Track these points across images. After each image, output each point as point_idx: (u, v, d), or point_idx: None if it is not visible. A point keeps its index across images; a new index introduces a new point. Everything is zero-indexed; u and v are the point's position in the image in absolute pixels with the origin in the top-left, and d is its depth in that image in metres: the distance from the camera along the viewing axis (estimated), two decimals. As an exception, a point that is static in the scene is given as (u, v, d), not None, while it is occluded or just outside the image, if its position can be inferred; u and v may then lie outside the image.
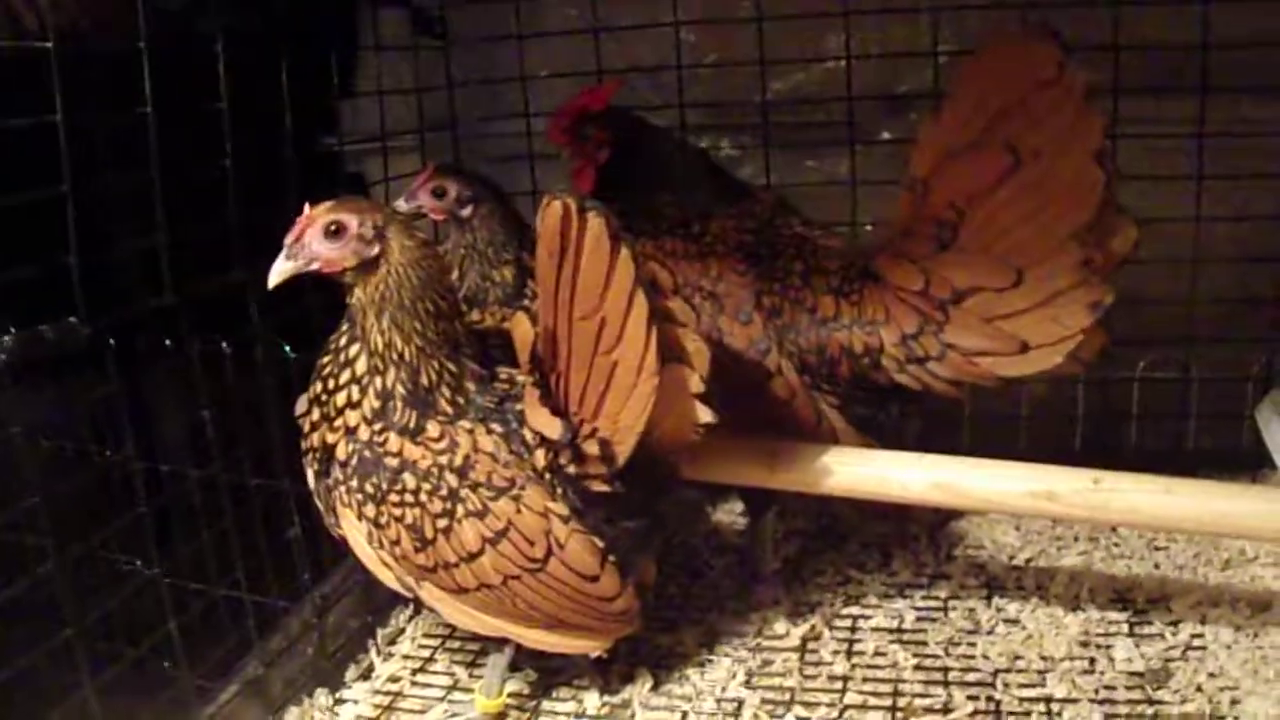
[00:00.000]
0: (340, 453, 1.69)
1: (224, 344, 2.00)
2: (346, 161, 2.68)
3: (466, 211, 2.19)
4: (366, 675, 2.12)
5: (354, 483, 1.68)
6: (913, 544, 2.44)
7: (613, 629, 1.80)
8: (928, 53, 2.35)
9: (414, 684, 2.09)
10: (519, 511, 1.65)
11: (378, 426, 1.67)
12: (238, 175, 1.96)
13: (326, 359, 1.73)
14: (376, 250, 1.63)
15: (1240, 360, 2.44)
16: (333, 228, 1.61)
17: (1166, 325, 2.39)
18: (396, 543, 1.68)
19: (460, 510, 1.65)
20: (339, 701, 2.04)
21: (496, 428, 1.67)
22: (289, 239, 1.63)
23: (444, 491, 1.65)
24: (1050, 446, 2.43)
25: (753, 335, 1.99)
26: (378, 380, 1.66)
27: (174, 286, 1.85)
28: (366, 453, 1.67)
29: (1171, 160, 2.26)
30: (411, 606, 2.30)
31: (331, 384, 1.70)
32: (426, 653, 2.18)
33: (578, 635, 1.78)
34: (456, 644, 2.20)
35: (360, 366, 1.68)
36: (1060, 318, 1.75)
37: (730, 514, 2.60)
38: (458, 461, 1.65)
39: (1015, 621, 2.14)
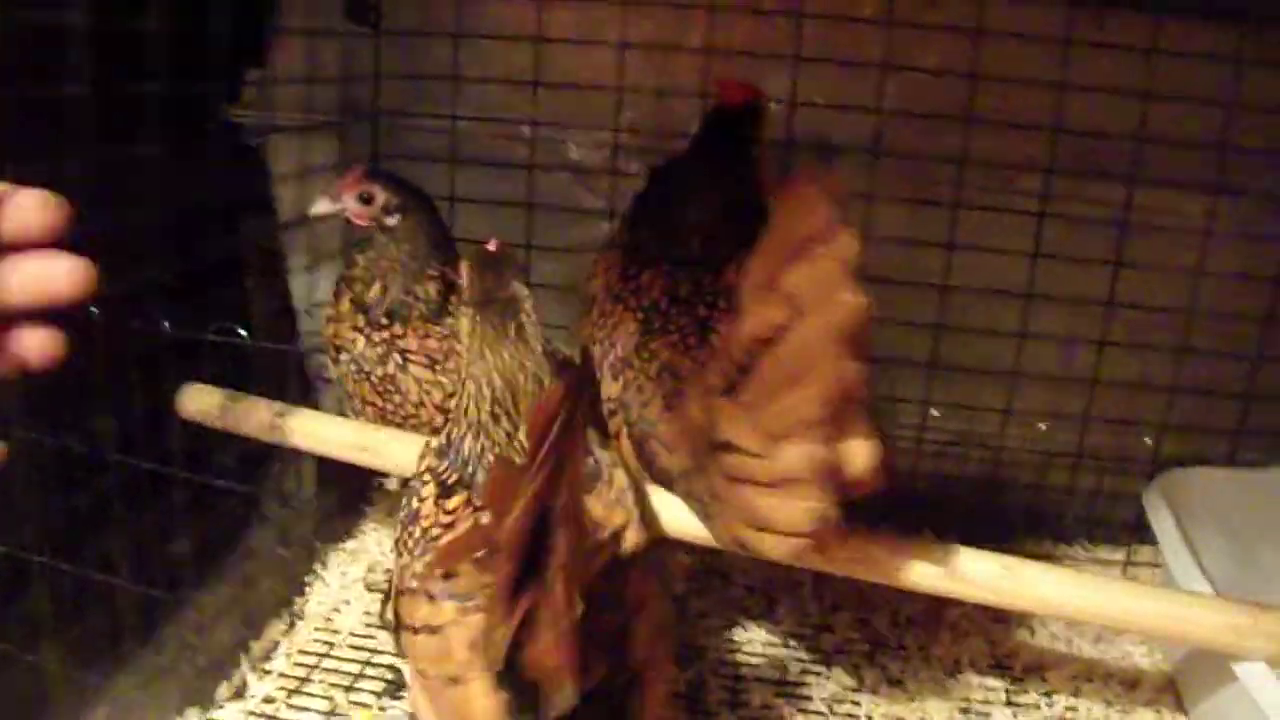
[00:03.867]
0: None
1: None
2: (246, 133, 2.55)
3: (393, 220, 2.10)
4: (239, 694, 2.03)
5: None
6: (797, 590, 2.45)
7: None
8: (869, 109, 2.33)
9: (290, 706, 2.00)
10: None
11: None
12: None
13: None
14: None
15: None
16: None
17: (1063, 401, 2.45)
18: None
19: None
20: (209, 724, 1.95)
21: None
22: None
23: None
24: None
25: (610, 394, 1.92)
26: None
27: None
28: None
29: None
30: (287, 619, 2.21)
31: None
32: (302, 672, 2.09)
33: None
34: (332, 664, 2.12)
35: None
36: (782, 509, 1.48)
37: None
38: None
39: (898, 682, 2.17)
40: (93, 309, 1.82)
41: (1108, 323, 2.35)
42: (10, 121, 1.49)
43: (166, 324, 1.94)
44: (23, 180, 0.88)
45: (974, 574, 1.78)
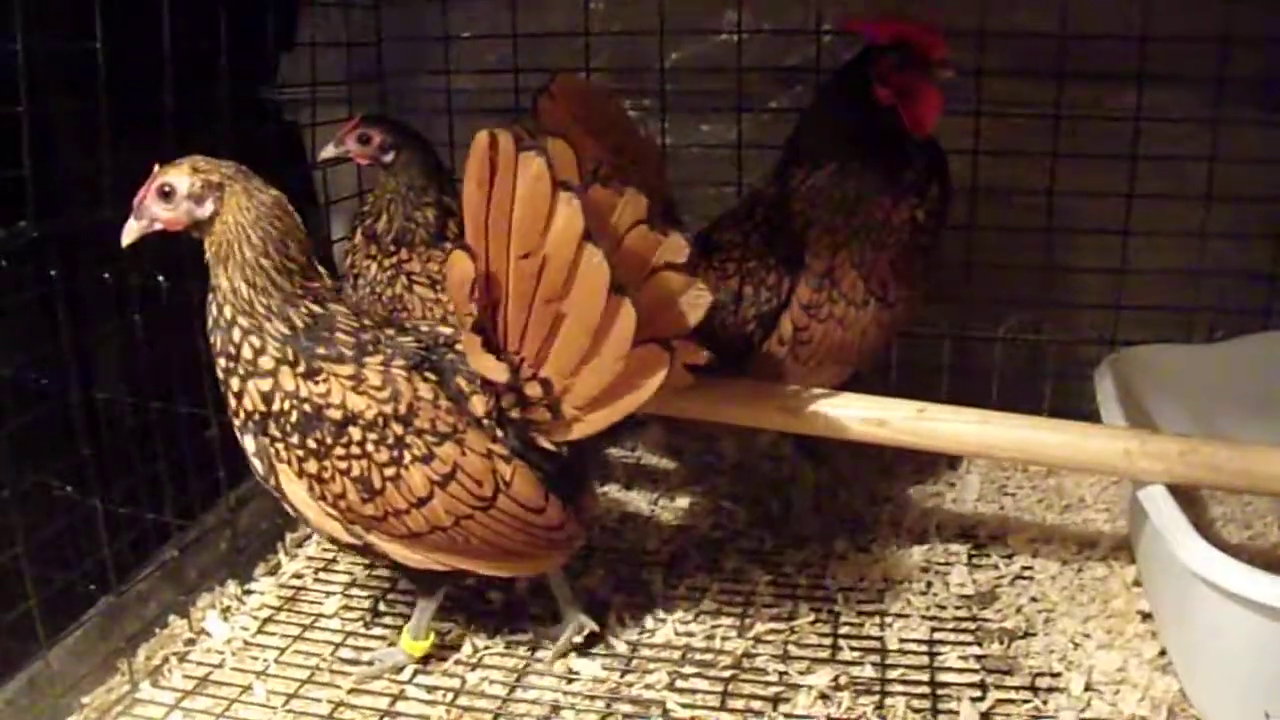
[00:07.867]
0: (275, 406, 1.69)
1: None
2: (285, 109, 2.89)
3: (389, 157, 2.38)
4: (274, 571, 2.34)
5: (294, 439, 1.69)
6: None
7: (561, 553, 1.90)
8: (812, 31, 2.58)
9: (316, 580, 2.31)
10: (464, 454, 1.69)
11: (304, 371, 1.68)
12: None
13: (209, 324, 1.73)
14: (210, 210, 1.65)
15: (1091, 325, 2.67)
16: (165, 189, 1.65)
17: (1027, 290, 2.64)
18: (342, 496, 1.70)
19: (407, 456, 1.68)
20: (247, 592, 2.25)
21: (431, 376, 1.71)
22: (136, 200, 1.67)
23: (390, 439, 1.67)
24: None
25: None
26: (253, 338, 1.68)
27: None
28: (306, 407, 1.68)
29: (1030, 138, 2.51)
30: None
31: (230, 348, 1.70)
32: (330, 555, 2.39)
33: (528, 562, 1.87)
34: (358, 550, 2.42)
35: (235, 332, 1.69)
36: None
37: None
38: (402, 409, 1.68)
39: (865, 550, 2.36)
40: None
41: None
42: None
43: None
44: None
45: (892, 418, 2.01)
